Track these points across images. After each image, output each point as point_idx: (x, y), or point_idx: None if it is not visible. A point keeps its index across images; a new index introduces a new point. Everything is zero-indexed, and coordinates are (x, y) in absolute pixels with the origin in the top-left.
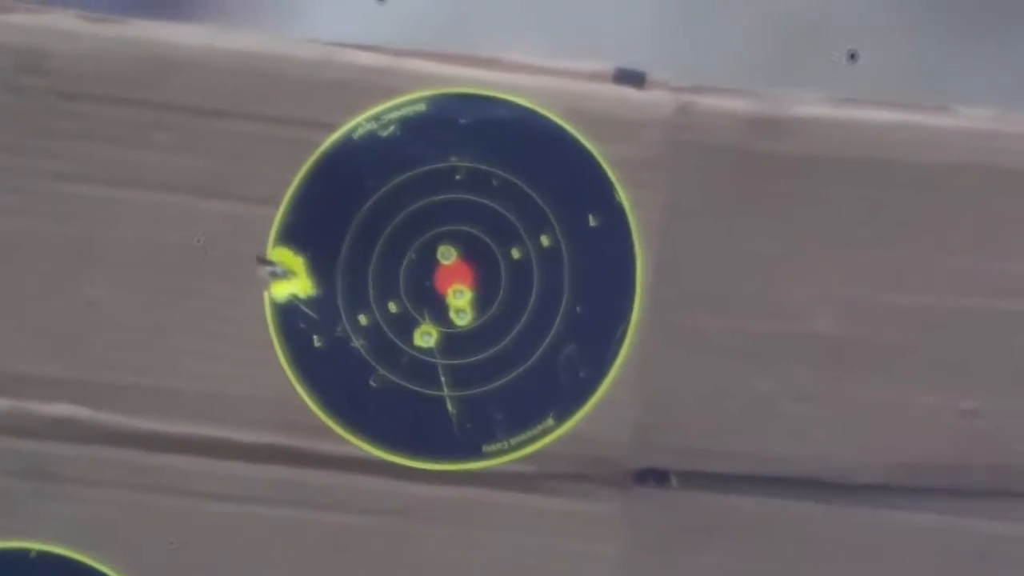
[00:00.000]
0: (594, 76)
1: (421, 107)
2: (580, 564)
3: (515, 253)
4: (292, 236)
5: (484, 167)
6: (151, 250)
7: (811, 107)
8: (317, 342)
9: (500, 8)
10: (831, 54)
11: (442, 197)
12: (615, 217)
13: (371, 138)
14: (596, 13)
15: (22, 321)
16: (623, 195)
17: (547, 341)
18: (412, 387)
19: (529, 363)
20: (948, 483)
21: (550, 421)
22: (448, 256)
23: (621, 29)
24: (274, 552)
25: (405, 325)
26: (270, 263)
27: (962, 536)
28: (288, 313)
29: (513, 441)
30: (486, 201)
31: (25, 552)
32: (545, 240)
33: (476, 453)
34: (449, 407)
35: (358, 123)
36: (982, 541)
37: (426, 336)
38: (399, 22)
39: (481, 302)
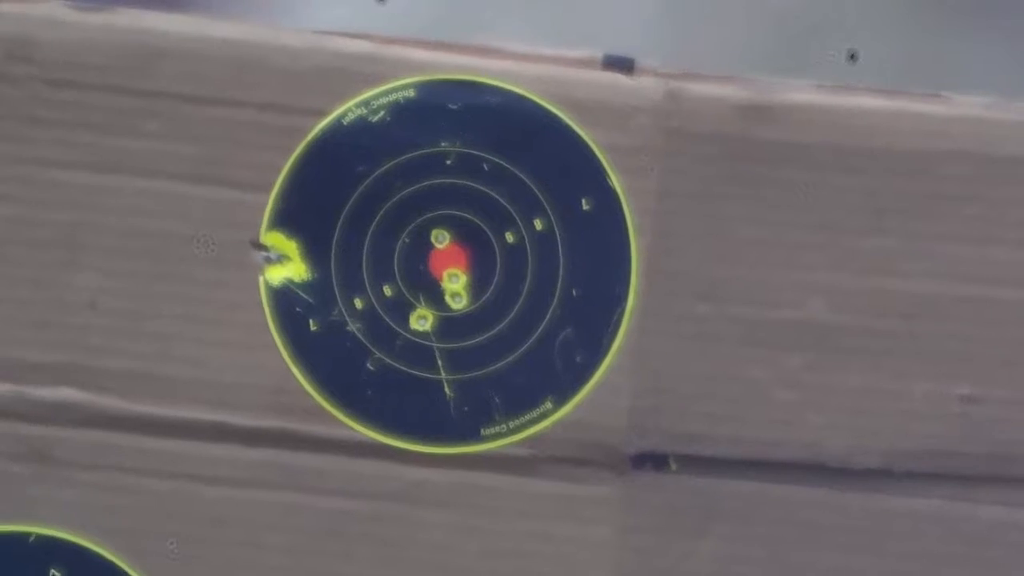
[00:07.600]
0: (583, 63)
1: (410, 93)
2: (577, 547)
3: (509, 237)
4: (285, 221)
5: (475, 152)
6: (145, 237)
7: (802, 94)
8: (313, 326)
9: (500, 7)
10: (830, 54)
11: (434, 181)
12: (608, 201)
13: (361, 123)
14: (607, 36)
15: (17, 307)
16: (615, 180)
17: (543, 325)
18: (409, 370)
19: (526, 346)
20: (945, 468)
21: (548, 404)
22: (442, 240)
23: (615, 33)
24: (272, 535)
25: (401, 309)
26: (264, 248)
27: (960, 521)
28: (283, 297)
29: (511, 424)
30: (478, 185)
31: (24, 536)
32: (539, 224)
33: (474, 436)
34: (447, 390)
35: (347, 109)
36: (980, 526)
37: (422, 320)
38: (398, 21)
39: (476, 286)
